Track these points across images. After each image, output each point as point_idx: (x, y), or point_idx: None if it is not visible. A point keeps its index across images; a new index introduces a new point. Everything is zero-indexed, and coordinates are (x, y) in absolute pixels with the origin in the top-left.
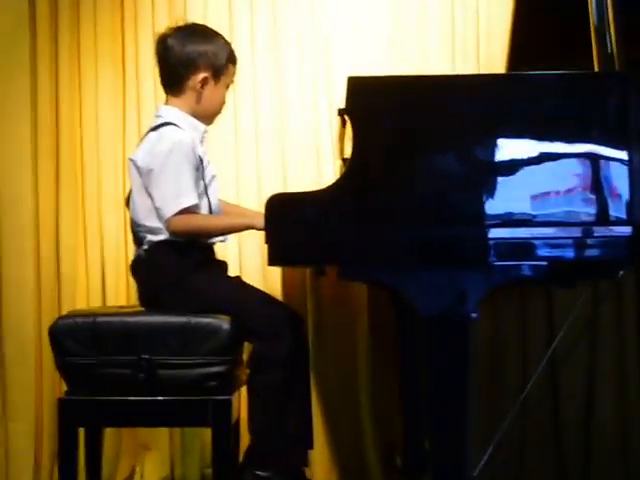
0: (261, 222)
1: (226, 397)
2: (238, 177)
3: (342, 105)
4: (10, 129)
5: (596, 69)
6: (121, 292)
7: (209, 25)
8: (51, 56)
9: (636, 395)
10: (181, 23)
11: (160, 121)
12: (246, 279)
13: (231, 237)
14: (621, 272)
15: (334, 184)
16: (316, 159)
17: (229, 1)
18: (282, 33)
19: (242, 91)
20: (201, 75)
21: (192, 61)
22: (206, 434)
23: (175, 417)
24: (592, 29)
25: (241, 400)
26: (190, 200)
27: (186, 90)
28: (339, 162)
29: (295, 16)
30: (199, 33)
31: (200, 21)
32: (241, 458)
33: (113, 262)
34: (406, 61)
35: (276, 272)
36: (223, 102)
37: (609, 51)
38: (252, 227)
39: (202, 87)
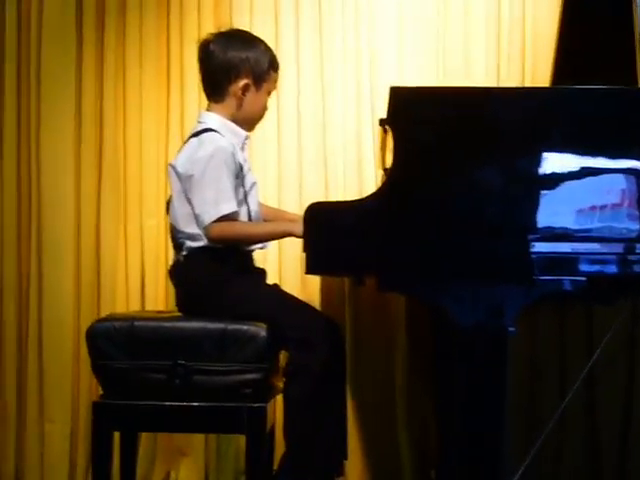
0: (300, 229)
1: (261, 404)
2: (280, 184)
3: (384, 115)
4: (54, 133)
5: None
6: (160, 297)
7: (255, 33)
8: (97, 60)
9: None
10: (224, 29)
11: (201, 127)
12: (285, 287)
13: (271, 244)
14: None
15: (373, 194)
16: (358, 168)
17: (275, 10)
18: (327, 41)
19: (286, 98)
20: (242, 81)
21: (233, 67)
22: (241, 441)
23: (210, 423)
24: (637, 44)
25: (277, 408)
26: (229, 207)
27: (227, 96)
28: (380, 172)
29: (341, 25)
30: (241, 39)
31: (246, 29)
32: (276, 466)
33: (153, 267)
34: (450, 73)
35: (315, 281)
36: (265, 108)
37: None
38: (291, 234)
39: (243, 93)
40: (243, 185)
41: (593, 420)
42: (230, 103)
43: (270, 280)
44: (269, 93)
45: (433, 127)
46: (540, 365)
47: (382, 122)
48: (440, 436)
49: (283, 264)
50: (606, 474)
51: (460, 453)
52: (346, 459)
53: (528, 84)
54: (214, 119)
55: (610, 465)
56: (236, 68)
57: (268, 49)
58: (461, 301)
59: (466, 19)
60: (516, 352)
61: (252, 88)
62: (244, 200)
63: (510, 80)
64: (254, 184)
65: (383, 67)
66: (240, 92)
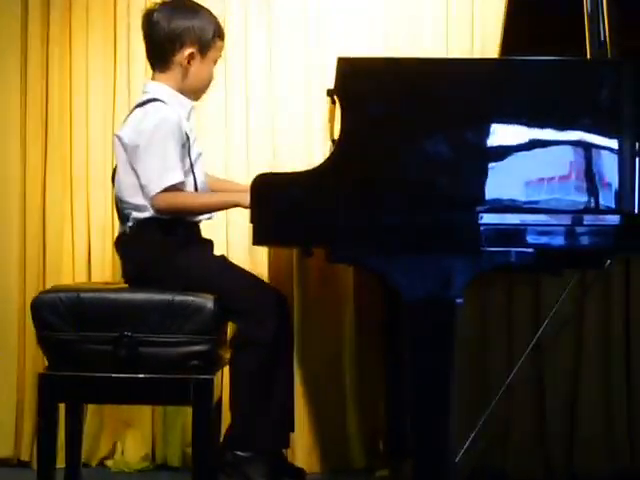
0: (248, 200)
1: (208, 377)
2: (227, 156)
3: (332, 86)
4: None
5: (588, 56)
6: (107, 268)
7: (201, 2)
8: (42, 29)
9: (620, 380)
10: None
11: (146, 97)
12: (232, 258)
13: (218, 215)
14: (609, 261)
15: (321, 165)
16: (306, 140)
17: None
18: (275, 11)
19: (233, 69)
20: (187, 50)
21: (178, 36)
22: (188, 413)
23: (156, 395)
24: (586, 16)
25: (224, 380)
26: (176, 177)
27: (172, 66)
28: (329, 143)
29: None
30: (185, 8)
31: None
32: (222, 438)
33: (99, 238)
34: (398, 44)
35: (263, 252)
36: (211, 78)
37: (602, 39)
38: (239, 205)
39: (189, 63)
40: (189, 155)
41: (541, 389)
42: (175, 72)
43: (217, 251)
44: (215, 62)
45: (380, 98)
46: (489, 335)
47: (330, 93)
48: (388, 407)
49: (230, 235)
50: (554, 443)
51: (409, 424)
52: (293, 431)
53: (477, 51)
54: (159, 89)
55: (557, 434)
56: (181, 37)
57: (213, 17)
58: (409, 272)
59: None
60: (464, 322)
61: (197, 57)
62: (190, 170)
63: (459, 46)
64: (200, 154)
65: (331, 37)
66: (185, 61)
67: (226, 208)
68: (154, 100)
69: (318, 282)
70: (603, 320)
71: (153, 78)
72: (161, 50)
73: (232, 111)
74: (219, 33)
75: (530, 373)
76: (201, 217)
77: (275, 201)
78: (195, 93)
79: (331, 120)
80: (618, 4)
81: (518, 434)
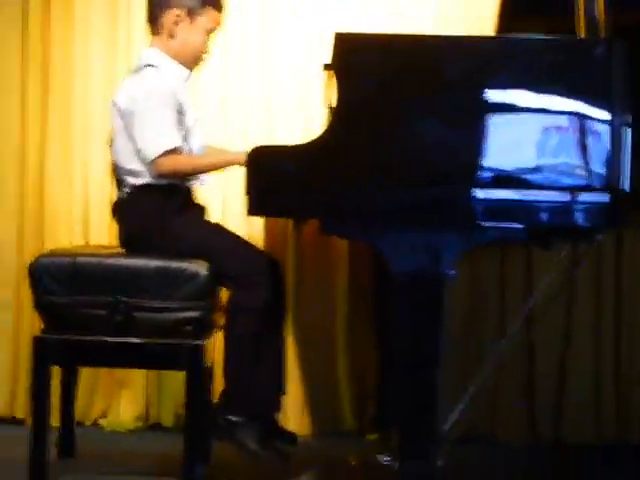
0: (244, 158)
1: (200, 342)
2: (225, 127)
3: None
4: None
5: (581, 35)
6: (104, 232)
7: None
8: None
9: (611, 350)
10: None
11: (141, 63)
12: (229, 226)
13: (214, 184)
14: (599, 236)
15: (315, 140)
16: (303, 110)
17: None
18: None
19: (230, 40)
20: (174, 12)
21: None
22: (182, 375)
23: (149, 360)
24: None
25: (216, 344)
26: (173, 142)
27: (162, 28)
28: (326, 110)
29: None
30: None
31: None
32: (215, 400)
33: (97, 201)
34: (395, 20)
35: (259, 219)
36: (202, 47)
37: (594, 17)
38: (236, 163)
39: (175, 25)
40: (183, 123)
41: (531, 360)
42: (165, 36)
43: (214, 218)
44: (208, 32)
45: (376, 74)
46: (481, 305)
47: (327, 67)
48: (378, 372)
49: (226, 202)
50: (542, 411)
51: (399, 393)
52: (284, 394)
53: (470, 33)
54: (154, 55)
55: (546, 402)
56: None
57: None
58: (401, 246)
59: None
60: (456, 293)
61: (186, 20)
62: (186, 136)
63: (453, 29)
64: (196, 121)
65: (330, 12)
66: (172, 24)
67: (224, 167)
68: (149, 66)
69: (313, 250)
70: (594, 292)
71: (150, 44)
72: (152, 12)
73: (230, 84)
74: (213, 2)
75: (521, 343)
76: (193, 182)
77: (270, 174)
78: (188, 61)
79: (328, 88)
80: None
81: (507, 404)
